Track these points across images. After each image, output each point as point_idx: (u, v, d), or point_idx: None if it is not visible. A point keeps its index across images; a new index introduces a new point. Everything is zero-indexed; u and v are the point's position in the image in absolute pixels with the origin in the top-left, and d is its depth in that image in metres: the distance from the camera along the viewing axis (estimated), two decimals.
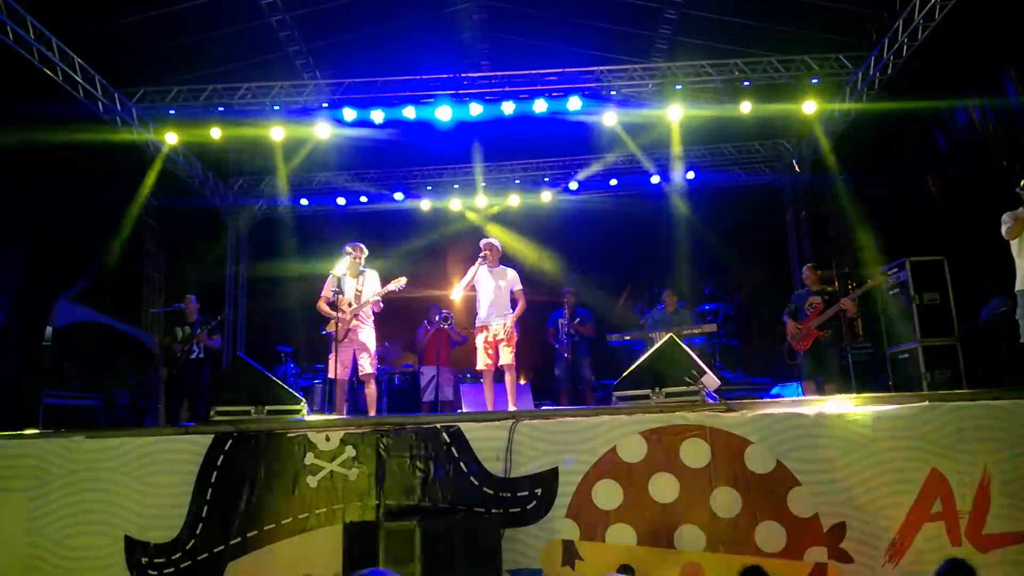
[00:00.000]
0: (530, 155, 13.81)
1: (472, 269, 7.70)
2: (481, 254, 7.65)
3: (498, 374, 7.52)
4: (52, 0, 8.67)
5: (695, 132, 12.45)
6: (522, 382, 10.12)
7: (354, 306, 7.39)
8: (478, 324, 7.61)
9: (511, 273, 7.73)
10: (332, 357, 7.36)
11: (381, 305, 7.57)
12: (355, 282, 7.51)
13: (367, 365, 7.43)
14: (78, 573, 5.07)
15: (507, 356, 7.45)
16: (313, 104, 11.17)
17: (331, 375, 7.43)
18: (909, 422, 4.95)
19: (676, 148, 12.88)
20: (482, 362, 7.49)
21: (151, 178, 11.49)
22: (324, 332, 7.65)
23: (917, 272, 7.76)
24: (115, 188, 10.95)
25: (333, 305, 7.39)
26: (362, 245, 7.71)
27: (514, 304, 7.62)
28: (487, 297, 7.55)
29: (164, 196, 12.64)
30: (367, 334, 7.48)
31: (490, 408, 7.35)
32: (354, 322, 7.38)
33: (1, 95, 8.71)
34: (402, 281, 7.53)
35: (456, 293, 8.10)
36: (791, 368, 8.69)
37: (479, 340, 7.56)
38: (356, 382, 7.89)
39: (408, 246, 13.62)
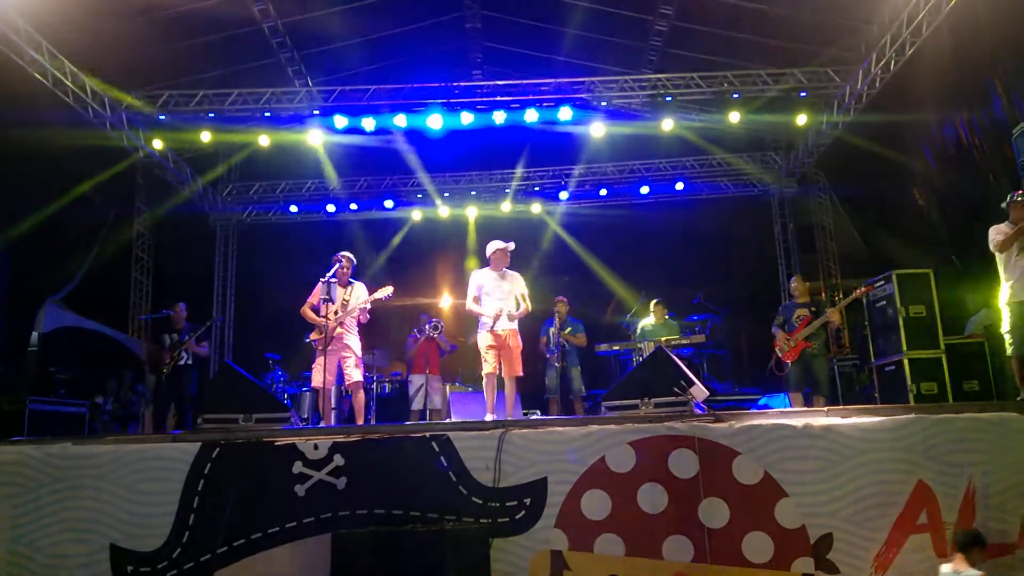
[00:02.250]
0: (521, 164, 13.83)
1: (476, 276, 7.53)
2: (489, 256, 7.49)
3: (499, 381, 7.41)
4: (43, 4, 8.64)
5: (684, 143, 12.54)
6: (507, 391, 10.10)
7: (340, 314, 7.37)
8: (483, 329, 7.35)
9: (517, 277, 7.54)
10: (314, 366, 7.39)
11: (367, 316, 7.55)
12: (343, 291, 7.50)
13: (354, 373, 7.40)
14: None
15: (517, 367, 7.37)
16: (304, 111, 11.18)
17: (314, 384, 7.42)
18: (895, 434, 4.98)
19: (666, 159, 12.99)
20: (489, 365, 7.26)
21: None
22: (308, 340, 7.65)
23: (903, 285, 7.79)
24: (103, 193, 10.90)
25: (318, 312, 7.39)
26: (351, 256, 7.69)
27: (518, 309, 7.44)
28: (491, 303, 7.33)
29: (154, 202, 12.62)
30: (351, 341, 7.47)
31: (490, 412, 7.22)
32: (339, 330, 7.37)
33: None
34: (388, 290, 7.54)
35: (471, 306, 7.50)
36: (778, 379, 8.72)
37: (483, 343, 7.33)
38: (345, 391, 7.86)
39: (397, 254, 13.63)
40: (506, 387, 7.43)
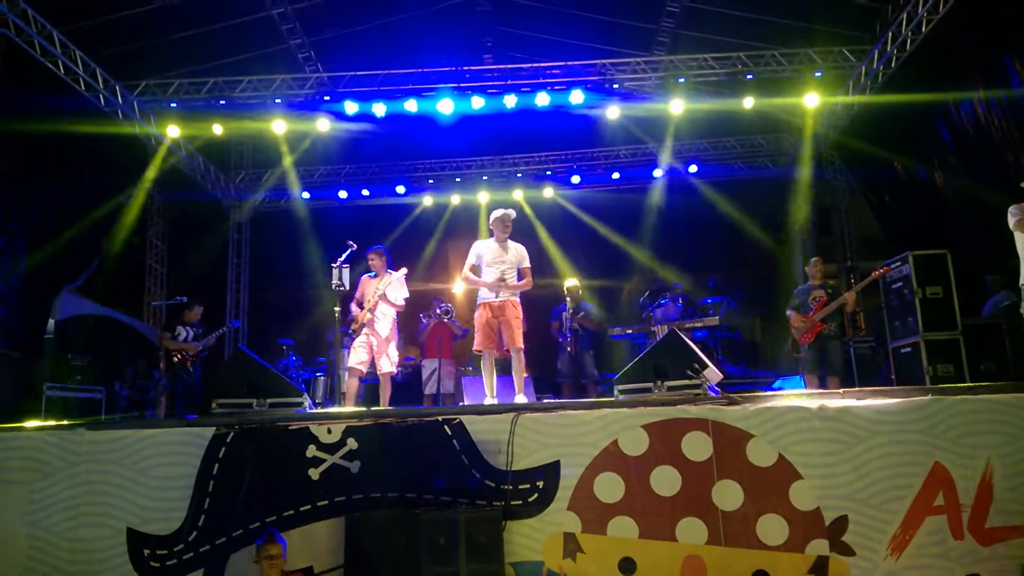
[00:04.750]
0: (532, 148, 13.78)
1: (476, 246, 7.20)
2: (490, 224, 7.19)
3: (501, 362, 7.35)
4: None
5: (698, 125, 12.43)
6: (524, 375, 10.10)
7: (370, 301, 7.57)
8: (480, 302, 7.03)
9: (520, 249, 7.14)
10: (349, 350, 7.69)
11: (401, 304, 7.64)
12: (377, 281, 7.68)
13: (382, 364, 7.56)
14: (80, 565, 5.07)
15: (517, 337, 6.89)
16: (314, 97, 11.15)
17: (349, 363, 7.62)
18: (912, 416, 4.94)
19: (679, 142, 12.90)
20: (480, 343, 6.93)
21: (152, 171, 11.53)
22: (350, 331, 7.82)
23: (920, 266, 7.72)
24: (117, 181, 10.95)
25: (361, 305, 7.70)
26: (382, 248, 7.88)
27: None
28: (491, 273, 6.97)
29: (167, 189, 12.65)
30: (382, 329, 7.58)
31: (490, 393, 6.98)
32: (367, 316, 7.54)
33: (3, 88, 8.70)
34: (402, 271, 7.75)
35: (462, 281, 7.30)
36: (793, 361, 8.68)
37: (479, 319, 6.99)
38: (368, 374, 7.96)
39: (409, 239, 13.63)
40: (512, 361, 7.04)
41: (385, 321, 7.61)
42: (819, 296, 8.14)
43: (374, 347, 7.54)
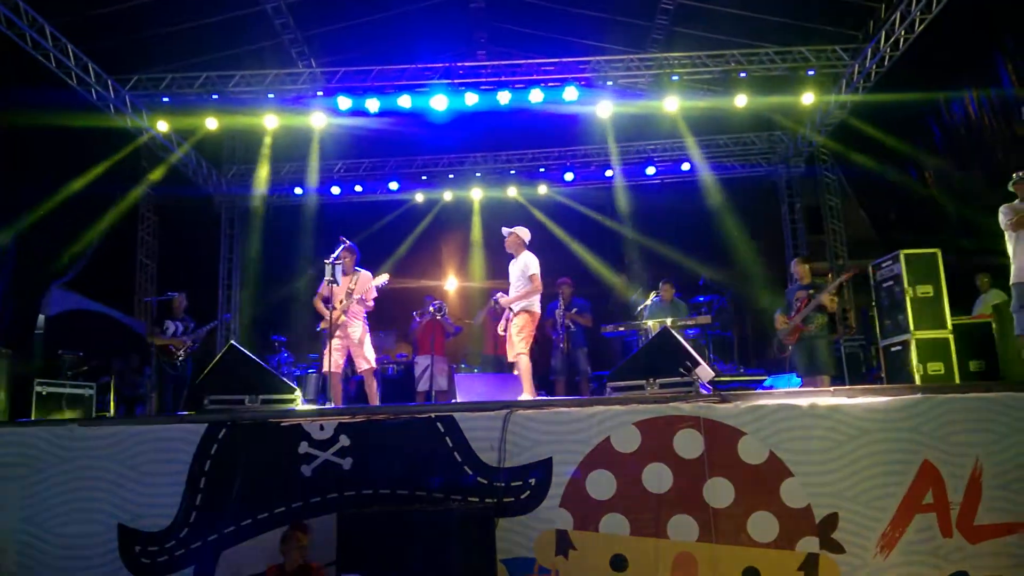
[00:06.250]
0: (526, 145, 13.77)
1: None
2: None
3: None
4: None
5: (691, 123, 12.45)
6: (516, 373, 10.11)
7: (344, 303, 7.41)
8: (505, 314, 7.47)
9: (523, 261, 7.48)
10: (326, 351, 7.45)
11: (371, 304, 7.58)
12: (347, 280, 7.52)
13: (362, 362, 7.49)
14: (71, 561, 5.06)
15: (510, 350, 7.34)
16: (308, 92, 11.12)
17: (324, 369, 7.49)
18: (901, 414, 4.97)
19: (672, 139, 12.91)
20: (510, 353, 7.36)
21: (156, 174, 11.57)
22: (319, 329, 7.72)
23: (910, 265, 7.73)
24: (108, 175, 10.88)
25: (328, 302, 7.47)
26: (353, 246, 7.69)
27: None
28: (510, 289, 7.48)
29: (158, 184, 12.60)
30: (356, 329, 7.50)
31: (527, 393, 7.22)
32: (343, 318, 7.41)
33: None
34: (384, 277, 7.63)
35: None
36: (784, 360, 8.70)
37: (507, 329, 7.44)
38: (350, 373, 7.91)
39: (402, 236, 13.61)
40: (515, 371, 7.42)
41: (357, 321, 7.54)
42: (802, 297, 8.18)
43: (350, 348, 7.47)
